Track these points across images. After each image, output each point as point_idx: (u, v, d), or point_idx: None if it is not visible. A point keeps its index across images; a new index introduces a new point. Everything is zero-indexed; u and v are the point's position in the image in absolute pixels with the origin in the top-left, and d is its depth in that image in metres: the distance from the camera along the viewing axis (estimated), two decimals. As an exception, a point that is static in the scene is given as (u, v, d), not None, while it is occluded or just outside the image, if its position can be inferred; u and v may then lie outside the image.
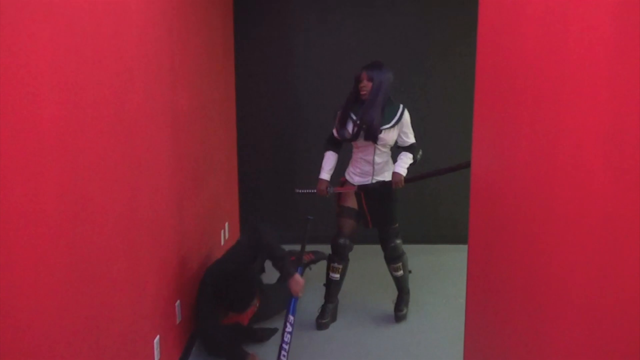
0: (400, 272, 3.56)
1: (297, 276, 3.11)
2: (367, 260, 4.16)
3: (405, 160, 3.37)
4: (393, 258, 3.52)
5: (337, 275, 3.51)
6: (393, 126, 3.31)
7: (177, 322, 2.93)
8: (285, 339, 2.96)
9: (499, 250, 1.78)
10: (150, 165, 2.48)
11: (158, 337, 2.58)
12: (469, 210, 2.14)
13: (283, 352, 2.94)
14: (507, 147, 1.67)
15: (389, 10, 4.67)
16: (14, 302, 1.42)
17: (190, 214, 3.22)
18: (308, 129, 4.78)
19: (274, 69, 4.79)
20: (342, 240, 3.46)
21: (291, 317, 3.04)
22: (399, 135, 3.36)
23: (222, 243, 4.18)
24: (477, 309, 2.10)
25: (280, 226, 4.90)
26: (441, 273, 4.29)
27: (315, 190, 3.52)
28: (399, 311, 3.58)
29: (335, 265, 3.49)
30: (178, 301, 2.94)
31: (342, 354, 3.18)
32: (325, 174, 3.49)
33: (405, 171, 3.36)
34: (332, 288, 3.53)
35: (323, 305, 3.53)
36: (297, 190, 3.69)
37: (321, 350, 3.22)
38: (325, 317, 3.48)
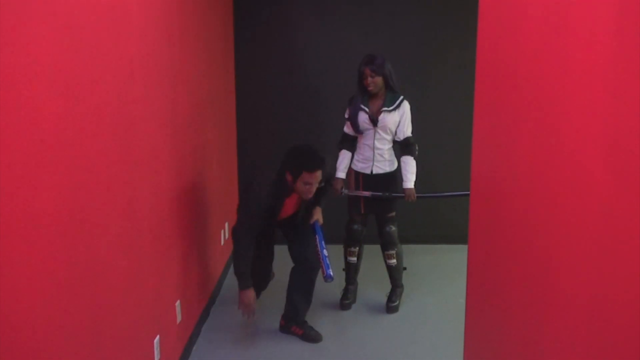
0: (394, 261, 3.68)
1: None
2: (365, 260, 4.14)
3: (411, 171, 3.53)
4: (388, 244, 3.65)
5: (354, 258, 3.75)
6: (393, 110, 3.46)
7: (177, 322, 2.93)
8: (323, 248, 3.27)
9: (499, 250, 1.78)
10: (150, 164, 2.49)
11: (158, 337, 2.58)
12: (469, 210, 2.14)
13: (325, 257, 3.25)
14: (507, 147, 1.67)
15: (389, 9, 4.67)
16: (13, 302, 1.42)
17: (190, 214, 3.22)
18: (308, 129, 4.77)
19: (274, 68, 4.79)
20: (355, 226, 3.68)
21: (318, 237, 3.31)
22: (397, 126, 3.47)
23: (222, 243, 4.17)
24: (477, 309, 2.10)
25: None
26: (441, 273, 4.28)
27: None
28: (392, 302, 3.68)
29: (352, 249, 3.72)
30: (178, 301, 2.94)
31: (341, 352, 3.19)
32: (341, 173, 3.63)
33: (413, 183, 3.53)
34: (351, 270, 3.77)
35: (345, 288, 3.76)
36: None
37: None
38: (349, 297, 3.73)
